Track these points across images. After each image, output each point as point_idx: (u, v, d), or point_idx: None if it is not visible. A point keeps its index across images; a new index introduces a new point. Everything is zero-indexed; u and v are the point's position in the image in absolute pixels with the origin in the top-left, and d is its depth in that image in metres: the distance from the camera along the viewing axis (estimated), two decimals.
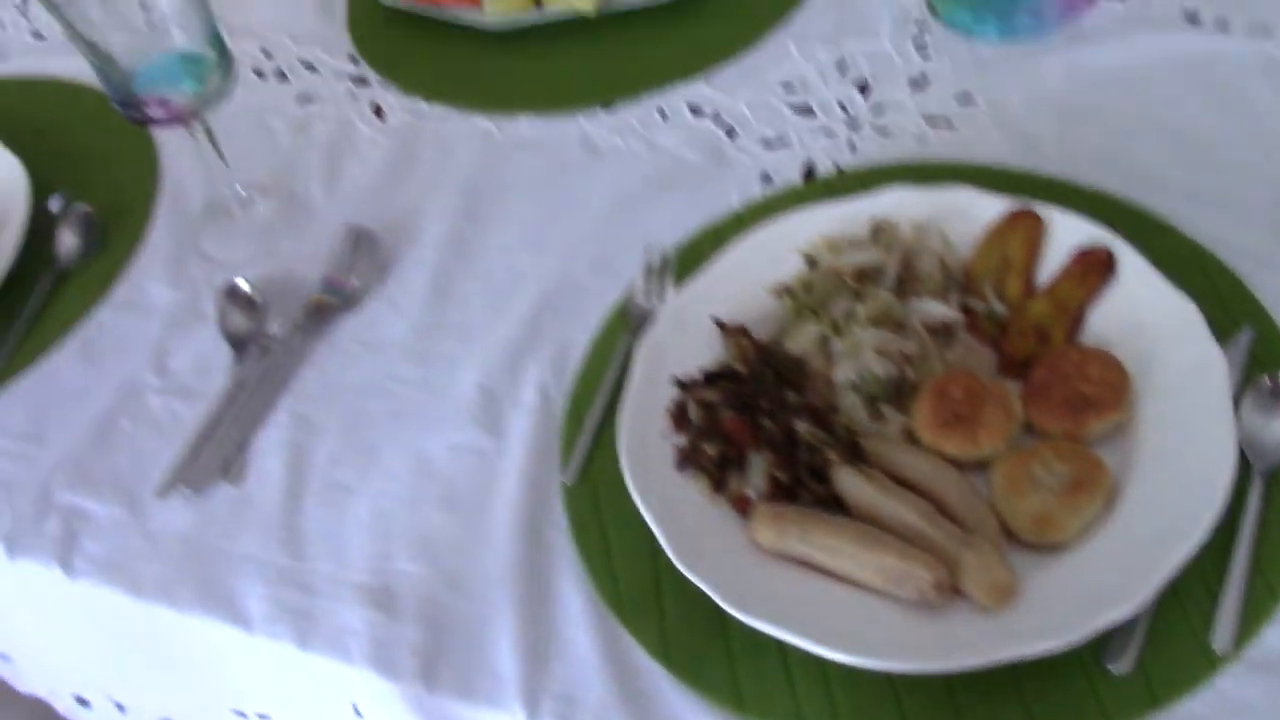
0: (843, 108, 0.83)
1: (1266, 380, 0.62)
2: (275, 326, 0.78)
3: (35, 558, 0.71)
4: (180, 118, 0.78)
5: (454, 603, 0.64)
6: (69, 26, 0.74)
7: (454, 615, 0.64)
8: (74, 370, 0.80)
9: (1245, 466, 0.60)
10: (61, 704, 0.85)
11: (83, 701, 0.83)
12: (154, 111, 0.77)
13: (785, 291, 0.70)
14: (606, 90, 0.88)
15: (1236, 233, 0.70)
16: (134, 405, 0.77)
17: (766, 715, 0.57)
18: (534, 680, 0.61)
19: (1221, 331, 0.63)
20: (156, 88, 0.77)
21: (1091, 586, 0.56)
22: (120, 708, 0.81)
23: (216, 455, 0.73)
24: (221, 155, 0.82)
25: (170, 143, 0.92)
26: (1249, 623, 0.56)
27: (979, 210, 0.71)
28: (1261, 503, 0.59)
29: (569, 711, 0.59)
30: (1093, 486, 0.59)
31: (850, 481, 0.61)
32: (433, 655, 0.63)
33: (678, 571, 0.59)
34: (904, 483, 0.61)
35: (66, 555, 0.71)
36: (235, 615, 0.66)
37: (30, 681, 0.84)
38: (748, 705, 0.58)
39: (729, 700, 0.58)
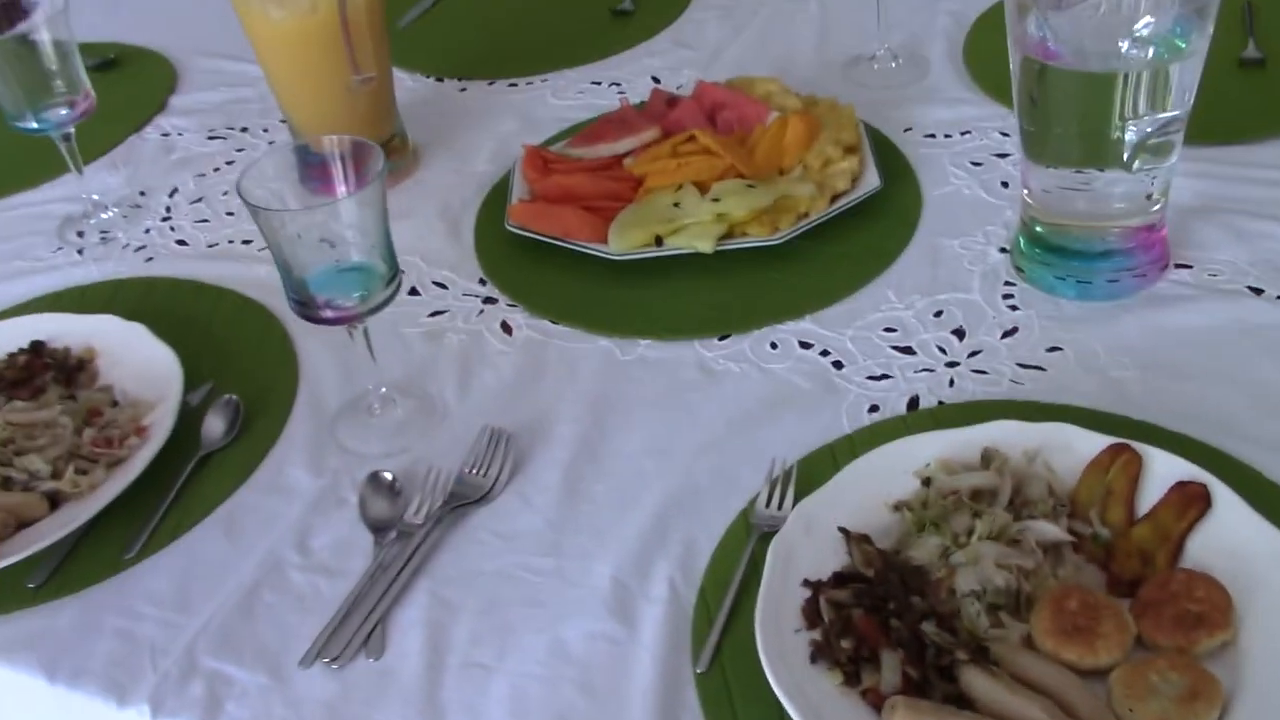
0: (940, 349, 0.91)
1: None
2: (414, 515, 0.84)
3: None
4: (347, 319, 0.85)
5: None
6: (274, 243, 0.83)
7: None
8: (217, 545, 0.84)
9: None
10: None
11: None
12: (325, 313, 0.85)
13: (905, 506, 0.76)
14: (720, 321, 0.96)
15: None
16: (276, 579, 0.81)
17: None
18: None
19: None
20: (330, 293, 0.85)
21: None
22: None
23: (358, 630, 0.77)
24: (373, 355, 0.90)
25: (306, 345, 0.99)
26: None
27: (1080, 445, 0.78)
28: None
29: None
30: (1209, 697, 0.64)
31: (978, 679, 0.66)
32: None
33: None
34: (1027, 684, 0.66)
35: (211, 718, 0.74)
36: None
37: None
38: None
39: None
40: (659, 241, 1.01)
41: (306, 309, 0.85)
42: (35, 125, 1.11)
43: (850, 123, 1.09)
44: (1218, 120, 1.02)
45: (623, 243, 1.01)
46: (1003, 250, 0.99)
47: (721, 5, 1.40)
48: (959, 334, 0.92)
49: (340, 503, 0.86)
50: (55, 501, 0.86)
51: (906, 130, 1.14)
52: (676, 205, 1.02)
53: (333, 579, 0.81)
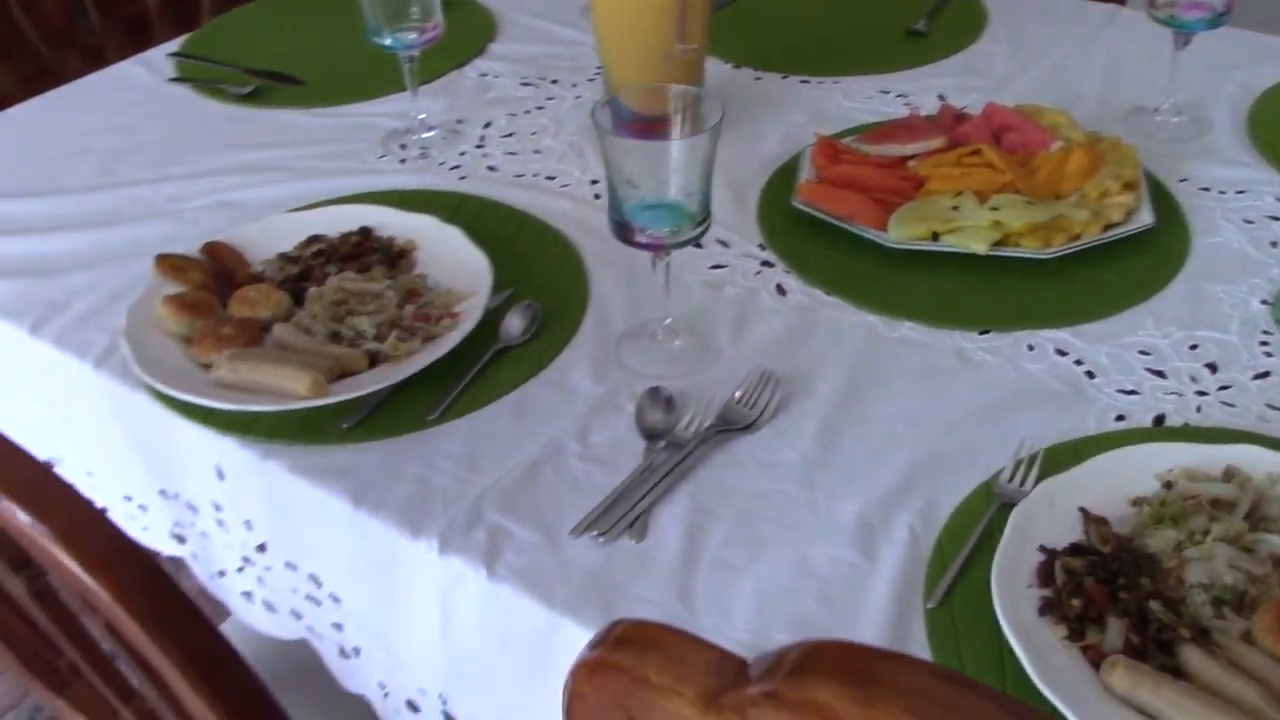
0: (1192, 379, 0.96)
1: None
2: (684, 429, 0.93)
3: (463, 558, 0.85)
4: (656, 247, 0.95)
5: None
6: (610, 172, 0.93)
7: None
8: (506, 424, 0.95)
9: None
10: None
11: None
12: (639, 238, 0.95)
13: (1145, 502, 0.82)
14: (982, 318, 1.03)
15: None
16: (556, 461, 0.91)
17: None
18: None
19: None
20: (646, 222, 0.95)
21: None
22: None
23: (624, 515, 0.86)
24: (668, 288, 0.99)
25: (598, 273, 1.10)
26: None
27: None
28: None
29: None
30: None
31: (1198, 657, 0.71)
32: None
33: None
34: (1249, 673, 0.71)
35: (492, 561, 0.84)
36: None
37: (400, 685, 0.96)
38: None
39: None
40: (935, 237, 1.08)
41: (624, 232, 0.95)
42: (389, 43, 1.25)
43: (1132, 161, 1.14)
44: None
45: (902, 232, 1.08)
46: (1264, 303, 1.03)
47: (1013, 41, 1.47)
48: (1211, 368, 0.97)
49: (617, 409, 0.96)
50: (374, 360, 0.98)
51: (1182, 180, 1.19)
52: (955, 209, 1.10)
53: (606, 470, 0.90)
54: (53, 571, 0.72)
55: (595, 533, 0.85)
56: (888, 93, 1.37)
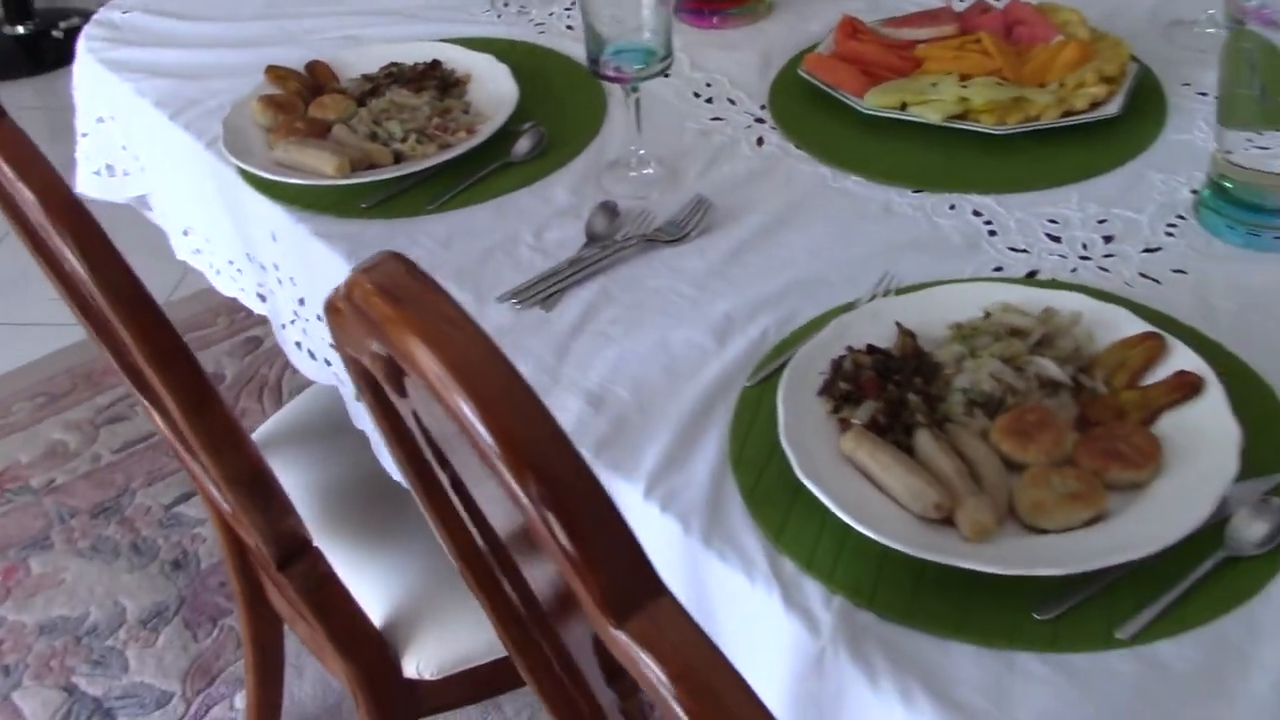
0: (1084, 245, 1.05)
1: (1265, 499, 0.79)
2: (620, 235, 1.10)
3: None
4: (621, 80, 1.12)
5: (637, 421, 0.92)
6: (585, 13, 1.10)
7: (632, 428, 0.91)
8: (486, 219, 1.15)
9: (1219, 546, 0.77)
10: None
11: None
12: (607, 70, 1.12)
13: (956, 326, 0.93)
14: (921, 178, 1.14)
15: None
16: (509, 248, 1.10)
17: (791, 551, 0.80)
18: (659, 475, 0.87)
19: (1267, 468, 0.81)
20: (618, 61, 1.12)
21: (1046, 555, 0.76)
22: None
23: (542, 291, 1.05)
24: (639, 125, 1.16)
25: (616, 111, 1.27)
26: (1151, 631, 0.74)
27: (1127, 327, 0.91)
28: (1210, 568, 0.76)
29: (670, 501, 0.85)
30: (1088, 501, 0.78)
31: (925, 438, 0.84)
32: (606, 441, 0.90)
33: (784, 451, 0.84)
34: (961, 455, 0.83)
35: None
36: None
37: None
38: (783, 539, 0.81)
39: (772, 532, 0.82)
40: (904, 107, 1.20)
41: (595, 67, 1.13)
42: None
43: (1119, 59, 1.21)
44: None
45: (874, 100, 1.20)
46: (1193, 191, 1.10)
47: None
48: (1107, 239, 1.05)
49: (577, 218, 1.13)
50: (398, 158, 1.20)
51: (1185, 84, 1.24)
52: (934, 85, 1.20)
53: (546, 259, 1.09)
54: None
55: (514, 300, 1.04)
56: None
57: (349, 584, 1.18)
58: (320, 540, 1.16)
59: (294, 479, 1.33)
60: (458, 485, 0.71)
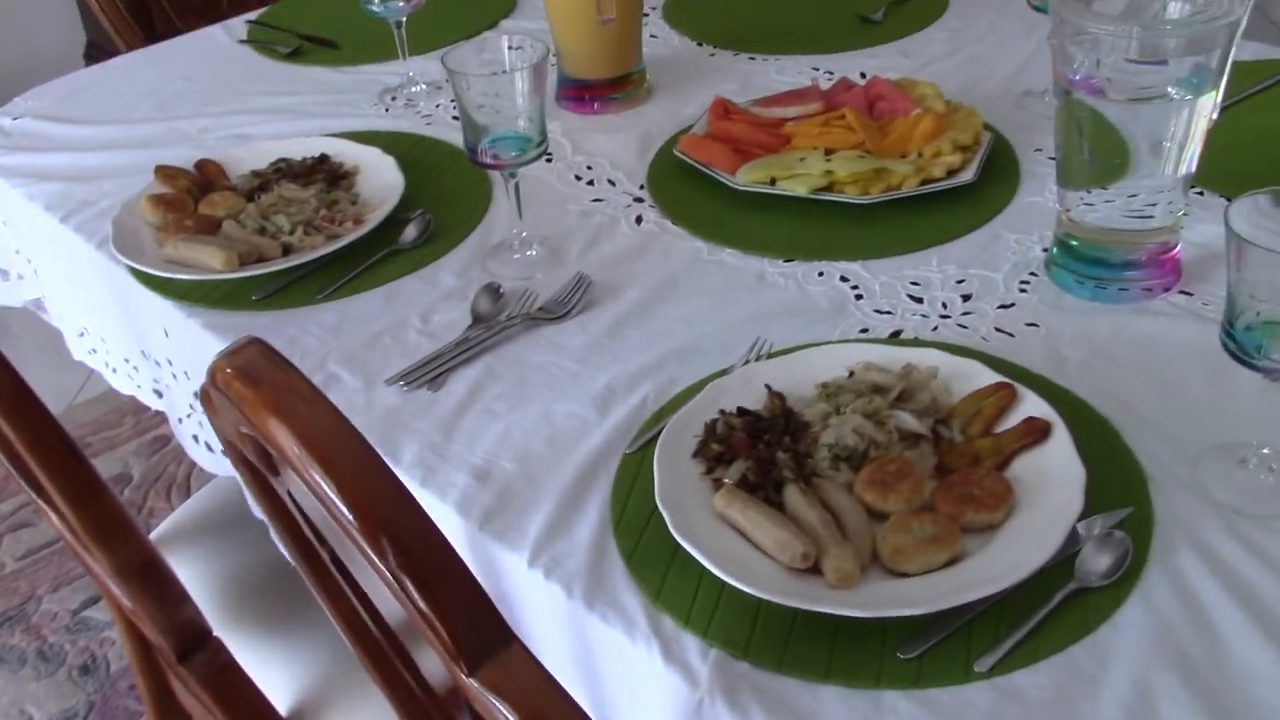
0: (944, 305, 1.11)
1: (1109, 533, 0.84)
2: (504, 317, 1.14)
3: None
4: (498, 167, 1.17)
5: (522, 492, 0.95)
6: (462, 105, 1.15)
7: (518, 498, 0.94)
8: (375, 306, 1.18)
9: (1069, 579, 0.82)
10: None
11: None
12: (484, 159, 1.16)
13: (823, 385, 0.98)
14: (792, 248, 1.19)
15: (1166, 455, 0.92)
16: (398, 333, 1.14)
17: (670, 608, 0.84)
18: (543, 543, 0.90)
19: (1111, 504, 0.86)
20: (495, 149, 1.16)
21: (907, 597, 0.80)
22: None
23: (429, 372, 1.08)
24: (519, 208, 1.20)
25: (500, 196, 1.31)
26: (1008, 663, 0.78)
27: (981, 379, 0.97)
28: (1061, 600, 0.81)
29: (553, 568, 0.88)
30: (944, 544, 0.83)
31: (794, 493, 0.88)
32: (491, 513, 0.93)
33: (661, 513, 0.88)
34: (827, 507, 0.87)
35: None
36: (393, 459, 1.00)
37: None
38: (662, 598, 0.84)
39: (651, 592, 0.85)
40: (773, 182, 1.25)
41: (474, 155, 1.17)
42: (377, 9, 1.50)
43: (973, 128, 1.28)
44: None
45: (746, 176, 1.26)
46: (1045, 250, 1.16)
47: (955, 30, 1.61)
48: (966, 298, 1.11)
49: (463, 300, 1.17)
50: (286, 250, 1.23)
51: (1036, 150, 1.32)
52: (802, 160, 1.26)
53: (433, 342, 1.12)
54: None
55: (402, 383, 1.07)
56: (818, 70, 1.54)
57: (254, 674, 1.19)
58: (225, 631, 1.17)
59: (198, 571, 1.34)
60: (338, 563, 0.73)
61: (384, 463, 0.52)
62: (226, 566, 1.35)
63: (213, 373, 0.58)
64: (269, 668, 1.24)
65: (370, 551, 0.49)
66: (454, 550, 0.51)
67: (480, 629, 0.50)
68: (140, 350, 1.33)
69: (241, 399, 0.55)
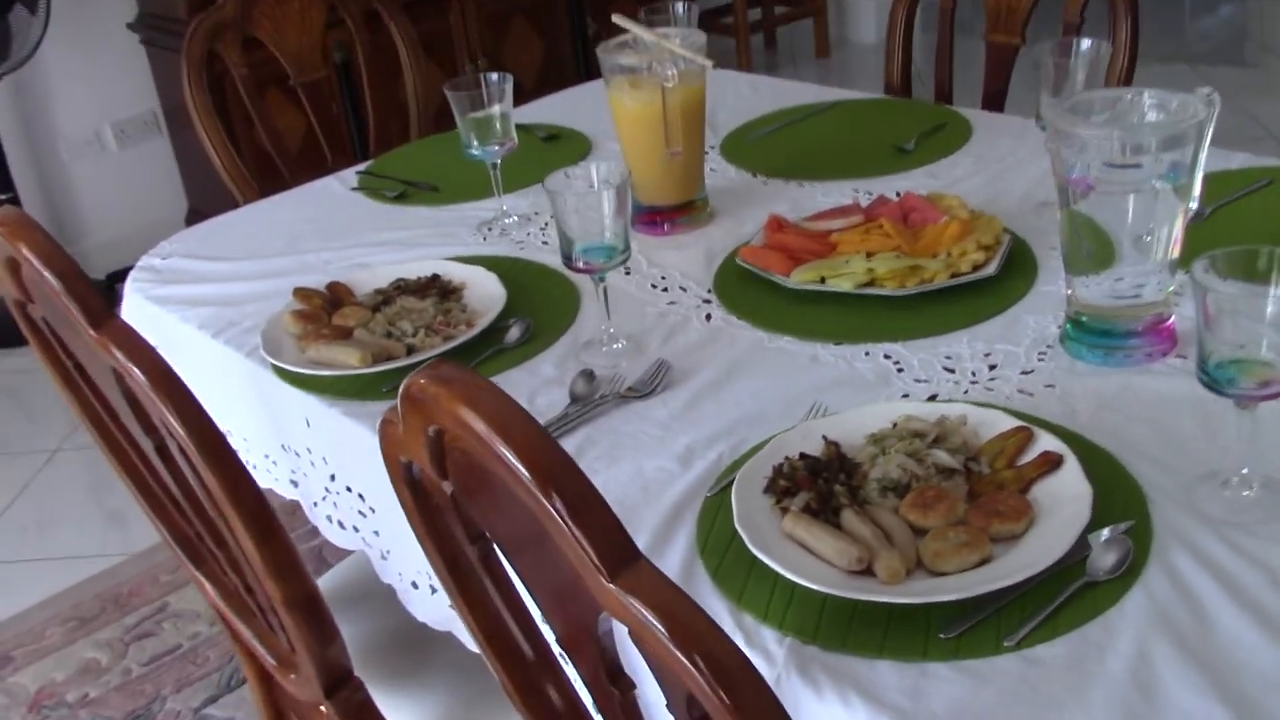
0: (973, 373, 1.30)
1: (1116, 538, 1.01)
2: (596, 396, 1.34)
3: None
4: (589, 270, 1.39)
5: (624, 518, 1.13)
6: (559, 223, 1.38)
7: (633, 529, 1.13)
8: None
9: (1081, 575, 0.99)
10: None
11: None
12: (578, 264, 1.38)
13: (871, 436, 1.17)
14: (841, 334, 1.39)
15: (1163, 480, 1.09)
16: None
17: (750, 609, 1.01)
18: None
19: (1116, 519, 1.04)
20: (586, 256, 1.39)
21: (946, 588, 0.98)
22: None
23: None
24: (608, 308, 1.42)
25: (588, 303, 1.53)
26: (1030, 639, 0.95)
27: (1004, 424, 1.15)
28: (1074, 590, 0.98)
29: None
30: (975, 548, 1.00)
31: (847, 514, 1.06)
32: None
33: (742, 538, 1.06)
34: (877, 524, 1.05)
35: None
36: None
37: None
38: (744, 601, 1.02)
39: (734, 597, 1.03)
40: (823, 281, 1.46)
41: (569, 262, 1.39)
42: (477, 153, 1.75)
43: (993, 231, 1.49)
44: None
45: (798, 277, 1.47)
46: (1059, 327, 1.35)
47: (979, 155, 1.83)
48: (992, 367, 1.30)
49: (562, 386, 1.38)
50: (410, 350, 1.45)
51: (1051, 248, 1.52)
52: (847, 262, 1.47)
53: (541, 417, 1.32)
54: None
55: None
56: (858, 191, 1.76)
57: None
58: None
59: None
60: (486, 561, 0.92)
61: (547, 432, 0.72)
62: (354, 633, 1.54)
63: (407, 385, 0.79)
64: (396, 714, 1.42)
65: (539, 495, 0.69)
66: (598, 492, 0.71)
67: (617, 546, 0.68)
68: (280, 444, 1.55)
69: (436, 396, 0.75)
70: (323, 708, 1.31)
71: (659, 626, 0.66)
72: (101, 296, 1.09)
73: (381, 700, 1.41)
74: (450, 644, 1.34)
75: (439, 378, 0.76)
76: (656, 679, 0.75)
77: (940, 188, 1.73)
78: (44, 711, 2.23)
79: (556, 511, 0.68)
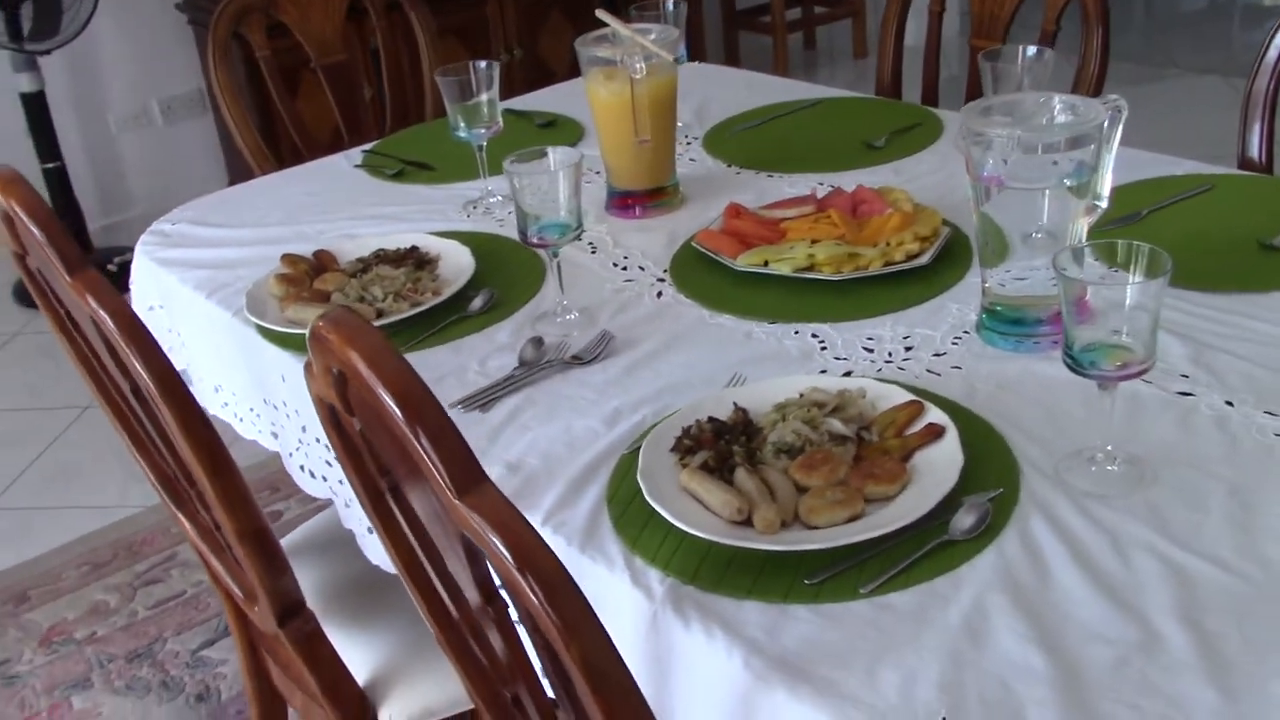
0: (889, 354, 1.39)
1: (979, 503, 1.10)
2: (543, 361, 1.45)
3: None
4: (544, 246, 1.49)
5: (542, 479, 1.24)
6: (517, 200, 1.49)
7: (538, 483, 1.23)
8: (444, 356, 1.50)
9: (943, 534, 1.08)
10: None
11: None
12: (534, 240, 1.49)
13: (778, 405, 1.26)
14: (776, 313, 1.49)
15: (1039, 455, 1.18)
16: (461, 374, 1.45)
17: (641, 552, 1.11)
18: (553, 511, 1.19)
19: (989, 487, 1.13)
20: (541, 232, 1.49)
21: (813, 538, 1.07)
22: None
23: (480, 400, 1.39)
24: (561, 281, 1.52)
25: (552, 279, 1.63)
26: (885, 587, 1.04)
27: (899, 398, 1.24)
28: (932, 547, 1.07)
29: (559, 526, 1.17)
30: (847, 505, 1.10)
31: (739, 472, 1.16)
32: (518, 493, 1.22)
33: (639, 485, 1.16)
34: (765, 482, 1.15)
35: None
36: None
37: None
38: (637, 546, 1.12)
39: (629, 542, 1.13)
40: (766, 264, 1.56)
41: (525, 237, 1.50)
42: (464, 135, 1.87)
43: (932, 224, 1.57)
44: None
45: (744, 260, 1.57)
46: (976, 315, 1.44)
47: (945, 154, 1.91)
48: (908, 349, 1.39)
49: (513, 352, 1.48)
50: (380, 314, 1.56)
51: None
52: (790, 247, 1.57)
53: (487, 380, 1.43)
54: None
55: (460, 406, 1.38)
56: (821, 184, 1.85)
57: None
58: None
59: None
60: (396, 492, 1.03)
61: (415, 372, 0.82)
62: (324, 575, 1.66)
63: (312, 328, 0.90)
64: (348, 649, 1.53)
65: (405, 429, 0.79)
66: (450, 419, 0.81)
67: (466, 469, 0.79)
68: (262, 398, 1.67)
69: (329, 338, 0.86)
70: (280, 637, 1.42)
71: (497, 541, 0.77)
72: (77, 247, 1.21)
73: (340, 640, 1.52)
74: (404, 588, 1.45)
75: (331, 320, 0.86)
76: (505, 591, 0.85)
77: (901, 183, 1.81)
78: (53, 646, 2.38)
79: (419, 440, 0.79)
